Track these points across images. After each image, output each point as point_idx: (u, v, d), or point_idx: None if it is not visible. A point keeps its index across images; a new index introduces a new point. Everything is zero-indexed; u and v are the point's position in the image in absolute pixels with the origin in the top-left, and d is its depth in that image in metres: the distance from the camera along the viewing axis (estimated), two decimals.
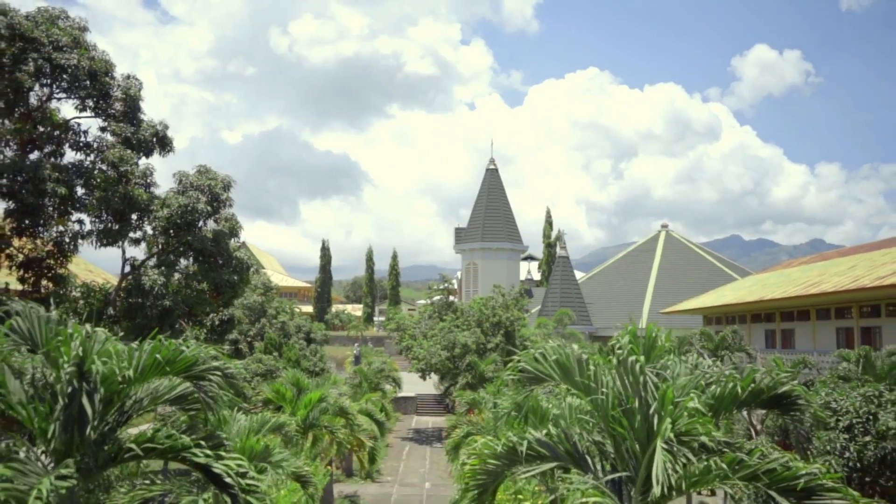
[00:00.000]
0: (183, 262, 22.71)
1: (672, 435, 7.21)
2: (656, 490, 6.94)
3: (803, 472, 7.05)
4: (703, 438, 7.33)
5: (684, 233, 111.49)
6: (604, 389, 8.18)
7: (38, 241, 20.62)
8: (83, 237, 21.01)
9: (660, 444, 7.14)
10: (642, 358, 8.16)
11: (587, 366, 8.60)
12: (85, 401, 6.85)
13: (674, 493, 7.52)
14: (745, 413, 19.79)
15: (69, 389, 6.85)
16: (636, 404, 7.93)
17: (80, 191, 20.67)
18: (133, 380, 7.37)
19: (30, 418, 7.01)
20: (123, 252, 22.14)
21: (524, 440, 8.35)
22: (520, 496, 18.27)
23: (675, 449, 7.10)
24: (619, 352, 8.48)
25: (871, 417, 13.32)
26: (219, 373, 7.82)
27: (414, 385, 48.97)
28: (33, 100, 20.36)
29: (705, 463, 7.27)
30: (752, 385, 8.08)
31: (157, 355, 7.38)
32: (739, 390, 7.98)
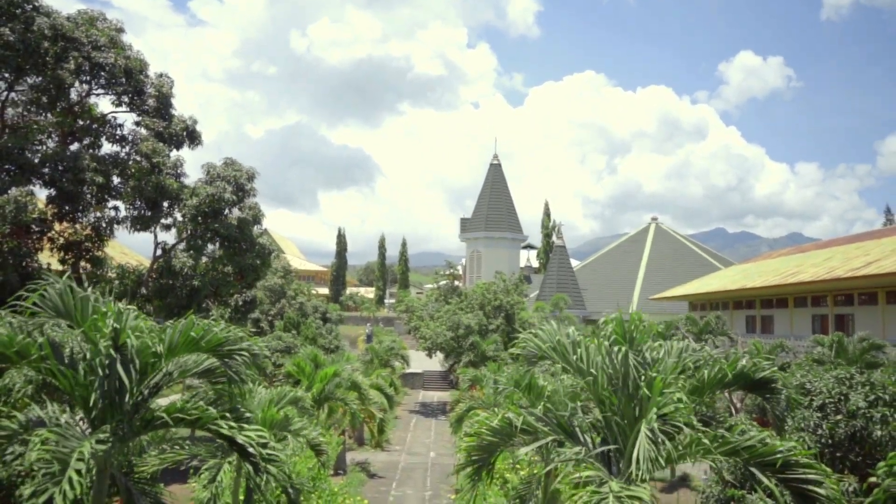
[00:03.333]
0: (210, 246, 22.80)
1: (656, 424, 7.24)
2: (635, 469, 7.00)
3: (780, 448, 7.06)
4: (682, 425, 7.34)
5: (672, 225, 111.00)
6: (592, 370, 8.20)
7: (78, 226, 20.72)
8: (118, 222, 21.11)
9: (644, 429, 7.17)
10: (625, 348, 8.14)
11: (579, 348, 8.63)
12: (121, 372, 6.90)
13: (660, 465, 7.55)
14: (726, 393, 19.80)
15: (107, 362, 6.90)
16: (623, 386, 7.96)
17: (116, 180, 20.75)
18: (165, 354, 7.42)
19: (71, 387, 7.07)
20: (155, 237, 22.26)
21: (520, 416, 8.36)
22: (517, 466, 18.34)
23: (657, 435, 7.13)
24: (604, 340, 8.47)
25: (842, 398, 13.31)
26: (245, 352, 7.85)
27: (421, 362, 49.09)
28: (74, 95, 20.41)
29: (690, 438, 7.29)
30: (736, 370, 8.08)
31: (192, 333, 7.42)
32: (725, 375, 7.99)
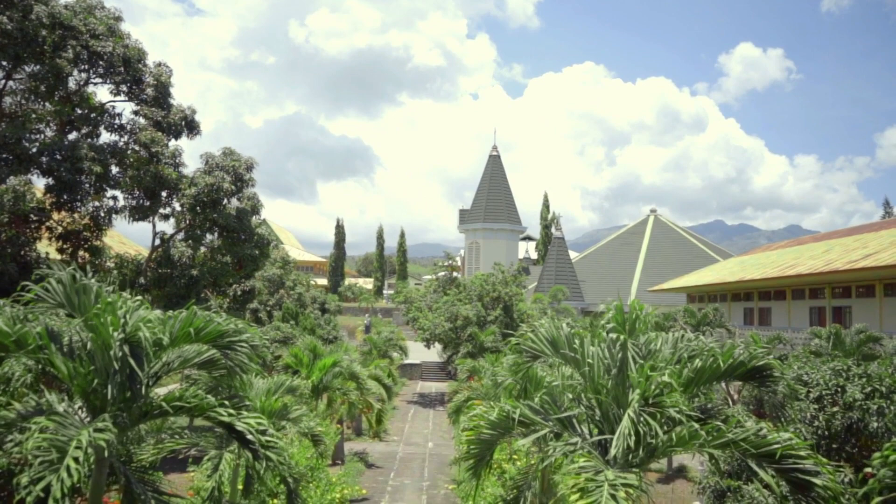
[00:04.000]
0: (209, 236, 22.78)
1: (637, 406, 7.27)
2: (613, 448, 7.07)
3: (776, 439, 7.08)
4: (671, 411, 7.38)
5: (671, 217, 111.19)
6: (589, 360, 8.24)
7: (76, 215, 20.67)
8: (117, 212, 21.06)
9: (629, 413, 7.21)
10: (624, 336, 8.19)
11: (573, 340, 8.67)
12: (133, 363, 6.91)
13: (647, 452, 7.59)
14: (723, 384, 19.84)
15: (120, 354, 6.89)
16: (620, 374, 7.99)
17: (114, 169, 20.69)
18: (168, 345, 7.42)
19: (69, 376, 7.08)
20: (154, 226, 22.23)
21: (517, 408, 8.39)
22: (514, 456, 18.42)
23: (641, 418, 7.18)
24: (604, 329, 8.52)
25: (839, 390, 13.35)
26: (245, 344, 7.86)
27: (419, 353, 49.17)
28: (72, 84, 20.32)
29: (688, 430, 7.31)
30: (731, 360, 8.09)
31: (191, 329, 7.43)
32: (720, 364, 8.00)
